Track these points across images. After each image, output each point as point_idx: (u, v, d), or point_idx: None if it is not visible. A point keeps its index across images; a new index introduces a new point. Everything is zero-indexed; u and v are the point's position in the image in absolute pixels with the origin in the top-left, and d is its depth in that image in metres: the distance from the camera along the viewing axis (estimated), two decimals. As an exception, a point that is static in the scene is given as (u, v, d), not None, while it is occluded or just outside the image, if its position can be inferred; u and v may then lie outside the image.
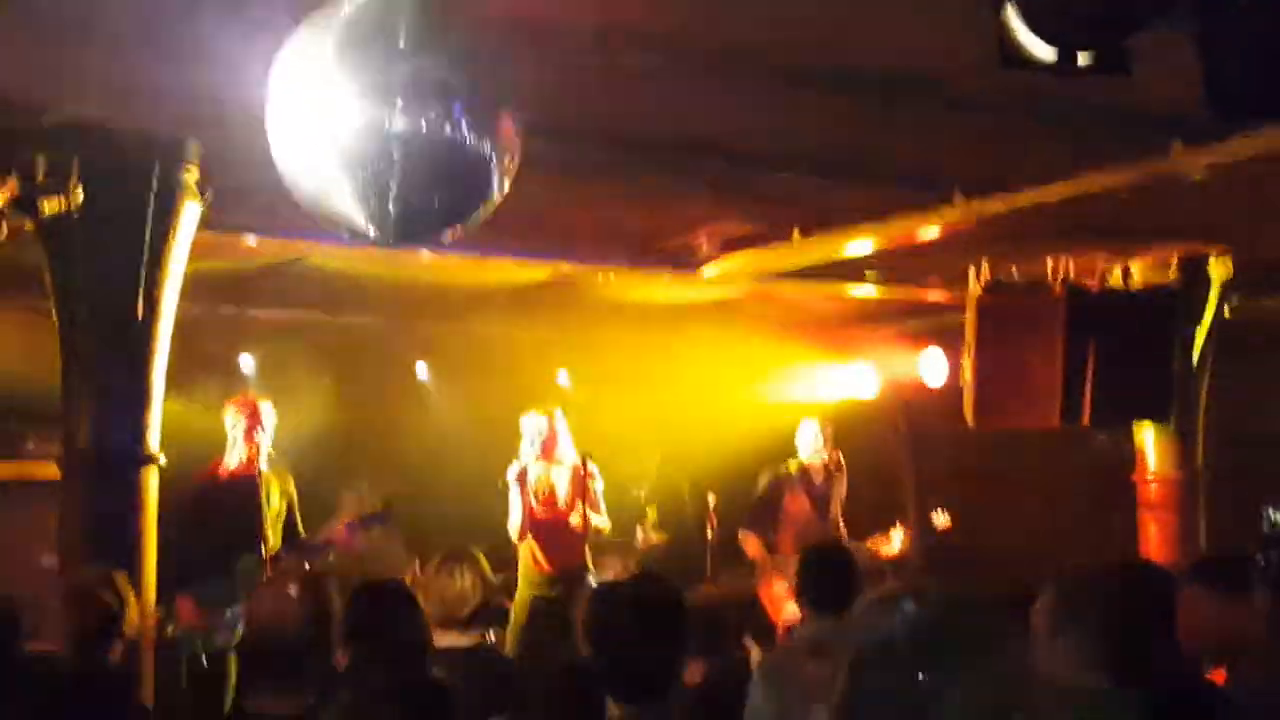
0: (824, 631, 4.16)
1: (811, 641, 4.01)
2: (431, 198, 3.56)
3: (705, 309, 9.41)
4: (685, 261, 7.92)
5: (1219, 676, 4.13)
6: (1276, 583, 4.46)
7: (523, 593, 7.63)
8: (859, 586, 4.90)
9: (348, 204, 3.62)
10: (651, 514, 9.06)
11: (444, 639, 4.61)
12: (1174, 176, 5.87)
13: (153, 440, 5.79)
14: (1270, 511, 6.43)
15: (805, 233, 7.32)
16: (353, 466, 8.89)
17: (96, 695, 3.61)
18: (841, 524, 8.35)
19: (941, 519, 8.30)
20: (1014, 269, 7.44)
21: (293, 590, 4.04)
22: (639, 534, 9.44)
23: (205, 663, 6.05)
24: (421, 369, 10.19)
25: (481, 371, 9.62)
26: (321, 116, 3.33)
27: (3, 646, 3.44)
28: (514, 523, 7.53)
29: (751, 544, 8.28)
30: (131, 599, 4.76)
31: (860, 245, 7.35)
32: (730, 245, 7.72)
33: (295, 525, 6.78)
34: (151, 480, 5.78)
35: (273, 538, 6.59)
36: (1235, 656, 4.09)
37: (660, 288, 8.71)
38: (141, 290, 5.58)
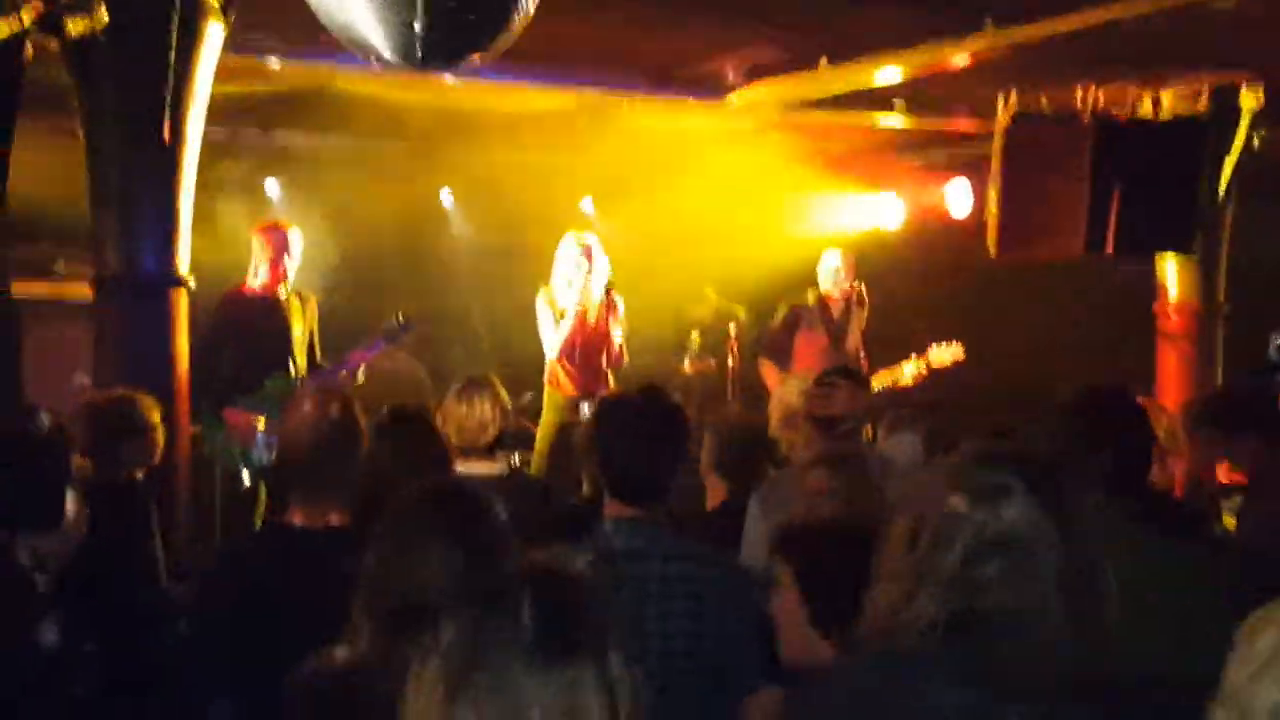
0: (830, 448, 4.23)
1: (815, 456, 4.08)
2: (455, 21, 3.56)
3: (732, 138, 9.34)
4: (711, 89, 7.84)
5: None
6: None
7: (548, 418, 7.69)
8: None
9: (371, 28, 3.62)
10: (697, 341, 9.13)
11: (465, 467, 4.64)
12: (1207, 3, 5.76)
13: (182, 263, 5.87)
14: (1276, 338, 6.42)
15: (833, 61, 7.23)
16: (377, 292, 8.95)
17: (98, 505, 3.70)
18: (862, 355, 8.39)
19: (948, 352, 8.23)
20: (1043, 99, 7.34)
21: (321, 408, 4.12)
22: (685, 361, 9.52)
23: (246, 480, 6.19)
24: (446, 196, 10.18)
25: (505, 199, 9.60)
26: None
27: (56, 465, 3.54)
28: (551, 341, 7.48)
29: (769, 373, 8.36)
30: (154, 417, 4.84)
31: (889, 73, 7.26)
32: (756, 73, 7.63)
33: (315, 350, 6.82)
34: (182, 302, 5.88)
35: (300, 359, 6.66)
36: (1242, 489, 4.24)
37: (685, 116, 8.63)
38: (167, 113, 5.59)
